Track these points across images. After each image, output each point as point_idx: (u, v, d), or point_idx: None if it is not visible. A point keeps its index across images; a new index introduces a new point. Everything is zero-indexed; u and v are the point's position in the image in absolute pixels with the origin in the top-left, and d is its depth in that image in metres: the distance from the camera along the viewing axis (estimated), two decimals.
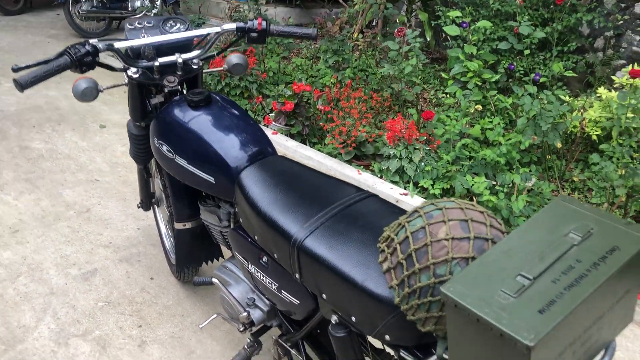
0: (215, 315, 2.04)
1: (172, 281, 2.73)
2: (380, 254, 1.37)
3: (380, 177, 3.68)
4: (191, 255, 2.47)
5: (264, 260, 1.72)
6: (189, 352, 2.34)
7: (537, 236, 1.15)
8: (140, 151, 2.34)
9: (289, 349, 1.87)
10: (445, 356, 1.24)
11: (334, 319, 1.54)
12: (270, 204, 1.63)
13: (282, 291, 1.70)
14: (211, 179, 1.88)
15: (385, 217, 1.54)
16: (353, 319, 1.45)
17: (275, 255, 1.63)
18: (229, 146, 1.88)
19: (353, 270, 1.41)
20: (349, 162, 3.88)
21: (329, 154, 4.00)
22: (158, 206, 2.84)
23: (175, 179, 2.19)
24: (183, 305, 2.59)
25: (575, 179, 3.81)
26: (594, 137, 3.73)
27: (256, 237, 1.70)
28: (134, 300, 2.62)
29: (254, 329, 1.91)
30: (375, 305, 1.37)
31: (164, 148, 1.99)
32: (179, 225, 2.30)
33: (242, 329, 1.89)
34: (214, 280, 1.95)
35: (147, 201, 2.77)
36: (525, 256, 1.11)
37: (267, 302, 1.90)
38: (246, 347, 1.95)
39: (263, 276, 1.76)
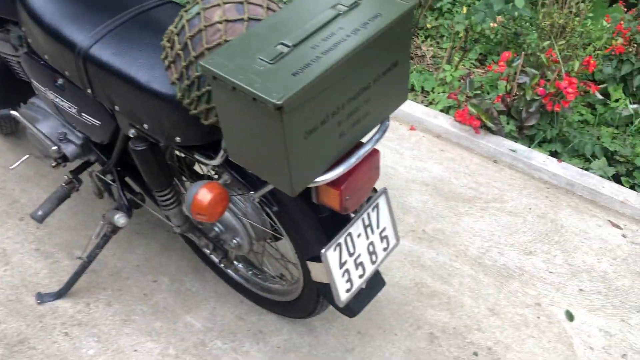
0: (26, 156, 1.91)
1: None
2: (164, 51, 1.29)
3: None
4: None
5: (59, 82, 1.59)
6: (12, 202, 2.22)
7: (307, 9, 1.10)
8: None
9: (108, 181, 1.80)
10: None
11: (131, 132, 1.47)
12: (55, 14, 1.49)
13: (82, 114, 1.61)
14: None
15: None
16: (145, 126, 1.39)
17: (67, 73, 1.51)
18: None
19: (139, 72, 1.33)
20: None
21: None
22: None
23: None
24: None
25: (428, 25, 3.84)
26: None
27: (47, 57, 1.56)
28: None
29: (68, 164, 1.81)
30: (160, 105, 1.31)
31: None
32: None
33: (54, 164, 1.79)
34: (13, 113, 1.81)
35: None
36: (291, 27, 1.07)
37: (79, 135, 1.79)
38: (64, 184, 1.85)
39: (62, 101, 1.64)
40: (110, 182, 1.80)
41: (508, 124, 2.85)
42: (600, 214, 2.48)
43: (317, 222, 1.39)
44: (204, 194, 1.29)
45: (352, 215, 1.41)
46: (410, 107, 2.95)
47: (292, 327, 1.92)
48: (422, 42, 3.86)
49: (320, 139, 1.09)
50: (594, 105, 3.13)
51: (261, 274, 1.92)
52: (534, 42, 3.25)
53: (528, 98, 2.75)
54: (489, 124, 2.75)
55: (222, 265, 1.83)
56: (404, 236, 2.31)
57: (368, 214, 1.41)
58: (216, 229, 1.68)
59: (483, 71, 3.55)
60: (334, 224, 1.39)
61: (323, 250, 1.32)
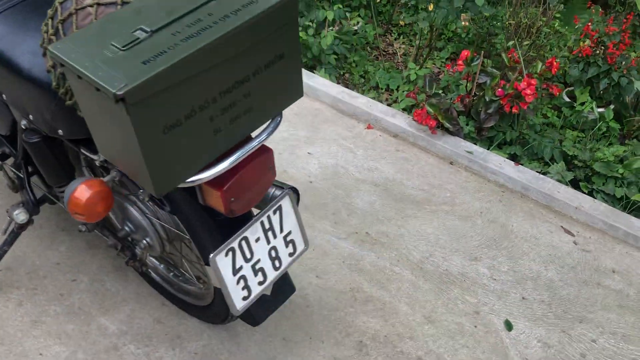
0: None
1: None
2: (43, 36, 1.19)
3: None
4: None
5: None
6: None
7: None
8: None
9: (17, 173, 1.71)
10: None
11: (23, 123, 1.38)
12: None
13: None
14: None
15: None
16: (31, 117, 1.29)
17: None
18: None
19: (21, 59, 1.24)
20: None
21: None
22: None
23: None
24: None
25: (401, 22, 3.74)
26: None
27: None
28: None
29: None
30: (39, 95, 1.22)
31: None
32: None
33: None
34: None
35: None
36: (157, 12, 0.98)
37: None
38: None
39: None
40: (18, 174, 1.71)
41: (467, 124, 2.75)
42: (554, 220, 2.39)
43: (213, 225, 1.30)
44: (81, 192, 1.20)
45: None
46: (369, 105, 2.86)
47: (214, 332, 1.83)
48: (395, 39, 3.77)
49: (188, 135, 1.00)
50: (561, 108, 3.04)
51: (181, 275, 1.83)
52: (499, 42, 3.15)
53: (487, 99, 2.66)
54: (447, 125, 2.66)
55: (130, 266, 1.73)
56: (345, 238, 2.22)
57: (268, 217, 1.32)
58: (126, 228, 1.59)
59: (453, 71, 3.46)
60: (231, 226, 1.30)
61: (211, 256, 1.22)
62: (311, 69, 3.21)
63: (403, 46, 3.71)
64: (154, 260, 1.86)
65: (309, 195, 2.40)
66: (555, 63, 2.68)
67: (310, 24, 3.15)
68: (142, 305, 1.89)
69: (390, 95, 3.21)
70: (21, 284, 1.91)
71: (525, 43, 2.85)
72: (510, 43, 2.86)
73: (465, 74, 2.74)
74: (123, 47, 0.92)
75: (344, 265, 2.12)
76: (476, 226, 2.33)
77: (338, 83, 3.22)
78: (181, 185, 1.07)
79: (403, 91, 3.14)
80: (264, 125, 1.19)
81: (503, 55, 2.73)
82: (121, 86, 0.86)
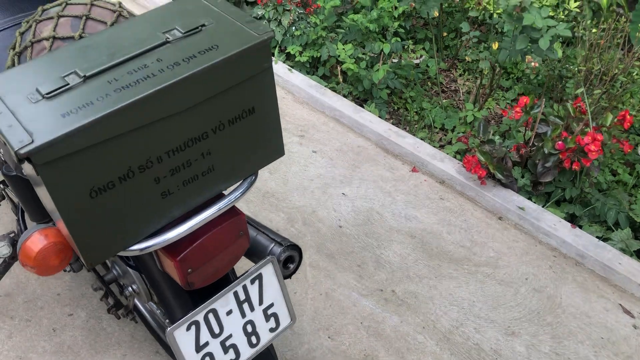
0: None
1: None
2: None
3: None
4: None
5: None
6: None
7: (135, 31, 0.87)
8: None
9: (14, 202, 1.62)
10: None
11: (0, 155, 1.28)
12: None
13: None
14: None
15: None
16: (1, 151, 1.18)
17: None
18: None
19: None
20: None
21: None
22: None
23: None
24: None
25: (468, 58, 3.51)
26: (495, 16, 3.38)
27: None
28: None
29: None
30: None
31: None
32: None
33: None
34: None
35: None
36: (101, 53, 0.83)
37: None
38: None
39: None
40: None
41: (522, 177, 2.49)
42: (611, 296, 2.09)
43: (181, 289, 1.14)
44: (34, 241, 1.07)
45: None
46: (417, 147, 2.65)
47: None
48: (459, 75, 3.54)
49: (124, 200, 0.85)
50: (635, 165, 2.72)
51: None
52: (570, 88, 2.87)
53: (546, 151, 2.39)
54: (498, 175, 2.41)
55: (112, 314, 1.60)
56: (368, 295, 2.01)
57: (244, 287, 1.15)
58: (114, 271, 1.46)
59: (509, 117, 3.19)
60: (204, 292, 1.14)
61: (168, 330, 1.06)
62: (361, 103, 3.04)
63: (467, 83, 3.48)
64: (152, 304, 1.72)
65: (336, 241, 2.21)
66: (628, 117, 2.38)
67: (364, 56, 2.97)
68: (134, 351, 1.75)
69: (445, 135, 2.99)
70: (16, 313, 1.82)
71: (597, 92, 2.56)
72: (579, 91, 2.58)
73: (524, 121, 2.48)
74: (47, 93, 0.78)
75: (362, 326, 1.91)
76: (518, 295, 2.07)
77: (390, 119, 3.03)
78: (124, 254, 0.91)
79: (458, 133, 2.91)
80: (235, 185, 1.03)
81: (568, 104, 2.46)
82: (25, 144, 0.71)
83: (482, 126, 2.60)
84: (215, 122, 0.89)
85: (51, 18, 0.99)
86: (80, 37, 0.96)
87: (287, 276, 1.38)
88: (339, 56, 3.01)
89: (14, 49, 1.02)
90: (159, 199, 0.89)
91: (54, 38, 0.97)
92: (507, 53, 2.54)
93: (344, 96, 3.01)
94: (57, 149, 0.74)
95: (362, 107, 2.92)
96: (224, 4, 0.93)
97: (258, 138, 0.96)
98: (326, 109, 2.90)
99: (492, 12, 3.48)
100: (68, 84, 0.79)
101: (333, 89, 3.06)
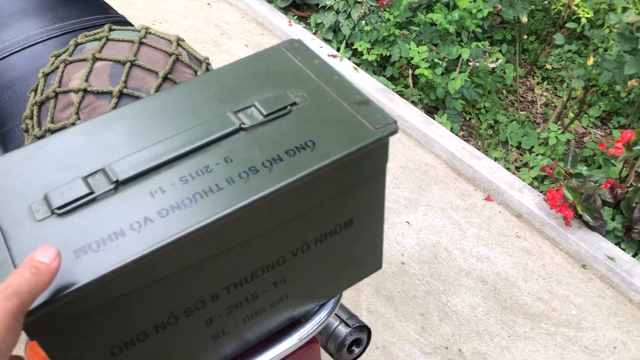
0: None
1: None
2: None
3: (315, 33, 3.06)
4: None
5: None
6: None
7: (197, 102, 0.60)
8: None
9: None
10: None
11: None
12: None
13: None
14: None
15: None
16: None
17: None
18: None
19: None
20: (286, 10, 3.23)
21: None
22: None
23: None
24: None
25: (548, 66, 3.15)
26: (584, 20, 3.01)
27: None
28: None
29: None
30: None
31: None
32: None
33: None
34: None
35: None
36: (145, 136, 0.57)
37: None
38: None
39: None
40: None
41: (613, 219, 2.17)
42: None
43: None
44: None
45: None
46: (493, 172, 2.35)
47: None
48: (537, 84, 3.19)
49: (161, 350, 0.60)
50: None
51: None
52: None
53: None
54: (586, 217, 2.10)
55: None
56: (430, 353, 1.75)
57: None
58: None
59: (602, 134, 2.84)
60: None
61: None
62: (430, 112, 2.73)
63: (546, 94, 3.13)
64: None
65: (398, 281, 1.94)
66: None
67: (440, 61, 2.66)
68: None
69: (521, 155, 2.67)
70: None
71: None
72: None
73: (624, 159, 2.15)
74: (59, 208, 0.53)
75: None
76: None
77: (461, 130, 2.72)
78: None
79: (537, 154, 2.59)
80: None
81: None
82: None
83: (571, 156, 2.27)
84: (297, 244, 0.62)
85: (84, 60, 0.73)
86: (121, 93, 0.71)
87: None
88: (411, 58, 2.71)
89: (35, 92, 0.77)
90: (209, 341, 0.64)
91: (85, 91, 0.71)
92: (610, 76, 2.20)
93: (413, 103, 2.71)
94: (62, 310, 0.49)
95: (432, 116, 2.62)
96: (325, 67, 0.65)
97: (351, 255, 0.70)
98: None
99: (580, 16, 3.11)
100: (92, 194, 0.54)
101: (401, 93, 2.76)
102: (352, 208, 0.64)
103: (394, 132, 0.60)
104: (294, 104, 0.61)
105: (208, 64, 0.81)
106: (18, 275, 0.44)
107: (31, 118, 0.75)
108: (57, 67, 0.75)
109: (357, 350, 1.15)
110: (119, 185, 0.55)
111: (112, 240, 0.51)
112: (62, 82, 0.73)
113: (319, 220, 0.62)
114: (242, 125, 0.59)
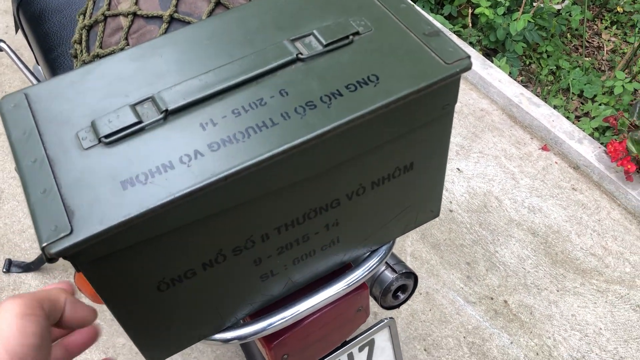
0: None
1: None
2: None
3: None
4: None
5: None
6: None
7: (251, 29, 0.56)
8: None
9: None
10: None
11: None
12: None
13: None
14: None
15: None
16: None
17: None
18: None
19: None
20: None
21: None
22: None
23: None
24: None
25: (619, 9, 2.96)
26: None
27: None
28: None
29: None
30: None
31: None
32: None
33: None
34: None
35: None
36: (196, 63, 0.53)
37: None
38: None
39: None
40: None
41: None
42: None
43: None
44: None
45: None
46: (552, 120, 2.24)
47: None
48: (605, 28, 3.00)
49: (208, 288, 0.58)
50: None
51: None
52: None
53: None
54: None
55: None
56: (475, 302, 1.72)
57: (350, 356, 0.88)
58: None
59: None
60: None
61: None
62: (488, 54, 2.61)
63: (614, 39, 2.95)
64: None
65: (445, 228, 1.90)
66: None
67: (502, 0, 2.51)
68: None
69: (582, 104, 2.54)
70: None
71: None
72: None
73: None
74: (106, 137, 0.50)
75: (464, 342, 1.63)
76: None
77: (520, 75, 2.60)
78: (201, 343, 0.65)
79: (600, 104, 2.46)
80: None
81: None
82: (59, 236, 0.44)
83: (638, 107, 2.15)
84: (353, 187, 0.58)
85: None
86: (171, 17, 0.67)
87: (393, 307, 1.10)
88: None
89: (84, 15, 0.74)
90: (257, 281, 0.62)
91: (135, 15, 0.68)
92: None
93: (471, 44, 2.59)
94: (109, 244, 0.46)
95: (490, 59, 2.50)
96: None
97: (408, 200, 0.66)
98: None
99: None
100: (140, 123, 0.50)
101: (458, 34, 2.64)
102: (414, 151, 0.60)
103: (467, 68, 0.54)
104: (357, 33, 0.56)
105: None
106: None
107: (80, 43, 0.72)
108: None
109: (402, 297, 1.13)
110: (168, 115, 0.51)
111: (160, 172, 0.48)
112: (111, 4, 0.69)
113: (379, 162, 0.58)
114: (300, 56, 0.55)
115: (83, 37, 0.71)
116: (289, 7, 0.60)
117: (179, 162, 0.48)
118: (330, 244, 0.64)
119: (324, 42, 0.55)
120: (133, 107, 0.52)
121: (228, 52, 0.56)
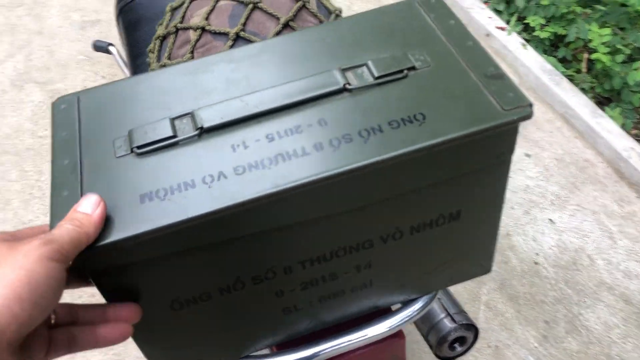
0: None
1: None
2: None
3: (486, 2, 2.87)
4: None
5: None
6: None
7: (305, 53, 0.55)
8: None
9: None
10: None
11: None
12: None
13: None
14: None
15: None
16: None
17: None
18: None
19: None
20: None
21: None
22: None
23: None
24: None
25: None
26: None
27: None
28: None
29: None
30: None
31: None
32: None
33: None
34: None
35: None
36: (242, 84, 0.53)
37: None
38: None
39: None
40: None
41: None
42: None
43: None
44: None
45: None
46: None
47: None
48: None
49: (224, 313, 0.56)
50: None
51: None
52: None
53: None
54: None
55: None
56: None
57: None
58: None
59: None
60: None
61: None
62: (600, 103, 2.46)
63: None
64: None
65: (526, 281, 1.79)
66: None
67: (624, 48, 2.36)
68: None
69: None
70: None
71: None
72: None
73: None
74: (138, 147, 0.50)
75: None
76: None
77: (634, 128, 2.43)
78: None
79: None
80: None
81: None
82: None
83: None
84: (388, 229, 0.55)
85: None
86: (237, 35, 0.66)
87: (448, 358, 1.04)
88: (589, 40, 2.44)
89: (162, 26, 0.75)
90: (279, 314, 0.59)
91: (203, 30, 0.68)
92: None
93: (583, 90, 2.45)
94: (117, 257, 0.46)
95: (602, 108, 2.35)
96: (460, 29, 0.55)
97: (454, 251, 0.61)
98: (556, 104, 2.38)
99: None
100: (174, 137, 0.50)
101: (570, 78, 2.51)
102: (461, 199, 0.55)
103: (528, 116, 0.49)
104: (412, 68, 0.53)
105: (338, 15, 0.75)
106: (59, 227, 0.44)
107: (153, 52, 0.74)
108: (184, 2, 0.72)
109: (459, 349, 1.07)
110: (203, 132, 0.50)
111: (180, 190, 0.47)
112: (184, 18, 0.70)
113: (418, 207, 0.54)
114: (347, 86, 0.52)
115: (156, 46, 0.73)
116: (351, 35, 0.58)
117: (201, 182, 0.47)
118: (361, 287, 0.60)
119: (376, 75, 0.52)
120: (172, 120, 0.51)
121: (278, 74, 0.55)
